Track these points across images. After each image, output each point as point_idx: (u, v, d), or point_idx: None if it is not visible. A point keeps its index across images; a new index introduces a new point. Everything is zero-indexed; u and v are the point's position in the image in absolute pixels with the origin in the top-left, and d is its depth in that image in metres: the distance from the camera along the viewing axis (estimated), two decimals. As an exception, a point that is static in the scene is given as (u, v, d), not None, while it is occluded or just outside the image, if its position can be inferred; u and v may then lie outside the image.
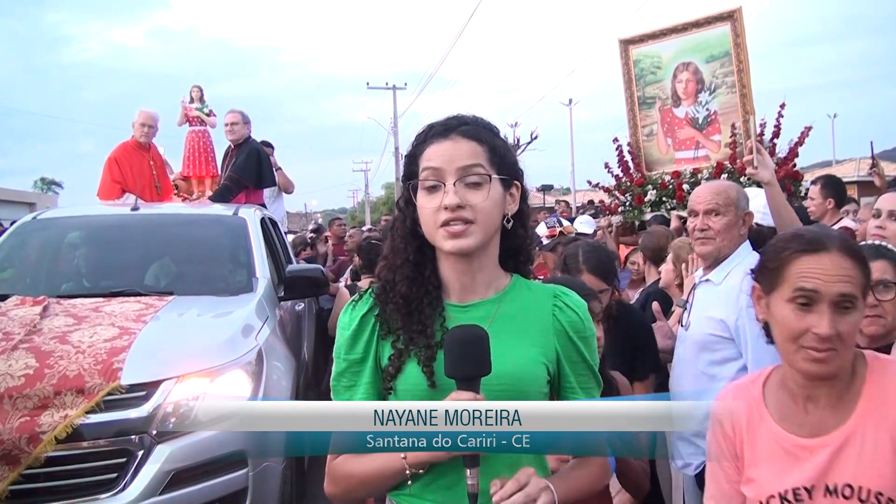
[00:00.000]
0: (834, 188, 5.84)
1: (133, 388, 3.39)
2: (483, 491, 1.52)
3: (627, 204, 8.38)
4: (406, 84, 44.93)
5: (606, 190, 8.88)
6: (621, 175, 8.58)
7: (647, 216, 7.84)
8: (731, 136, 7.47)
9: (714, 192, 3.19)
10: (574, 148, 45.74)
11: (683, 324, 3.29)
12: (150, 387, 3.42)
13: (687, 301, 3.57)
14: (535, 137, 35.72)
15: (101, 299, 4.35)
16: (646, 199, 8.06)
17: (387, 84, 43.77)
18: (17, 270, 5.31)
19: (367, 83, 43.74)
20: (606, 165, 8.84)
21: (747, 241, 3.18)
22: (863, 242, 2.82)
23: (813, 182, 6.15)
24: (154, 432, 3.36)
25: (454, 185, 1.62)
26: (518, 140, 37.23)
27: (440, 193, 1.64)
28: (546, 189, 33.34)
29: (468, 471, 1.50)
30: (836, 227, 5.64)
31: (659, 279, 4.66)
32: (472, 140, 1.68)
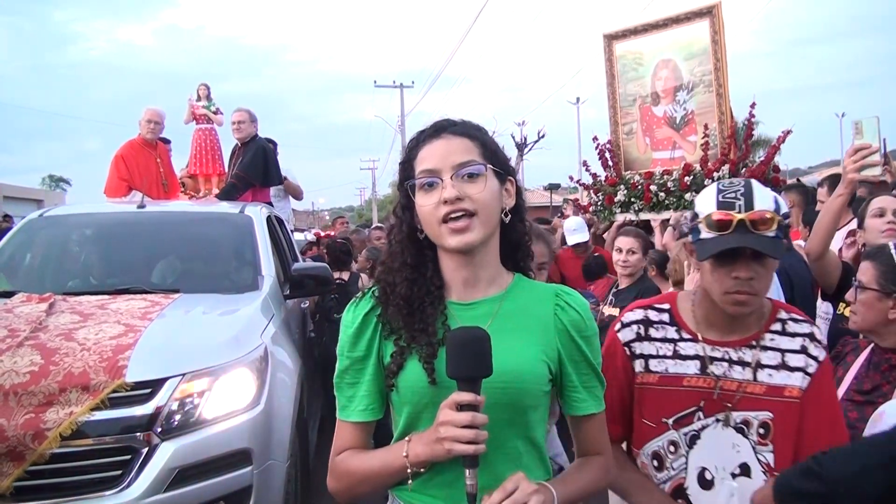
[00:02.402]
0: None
1: (138, 385, 3.39)
2: (481, 489, 1.53)
3: (598, 204, 8.28)
4: (413, 82, 44.93)
5: (586, 188, 8.81)
6: (598, 174, 8.50)
7: (618, 217, 7.71)
8: (703, 137, 7.33)
9: None
10: (581, 147, 45.68)
11: None
12: (156, 384, 3.42)
13: None
14: (543, 136, 35.69)
15: (106, 297, 4.36)
16: (615, 200, 7.96)
17: (394, 82, 43.83)
18: (23, 267, 5.32)
19: (375, 81, 43.92)
20: (585, 163, 8.77)
21: None
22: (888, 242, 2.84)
23: (819, 184, 6.08)
24: (159, 430, 3.36)
25: (451, 178, 1.64)
26: (525, 139, 37.27)
27: (438, 190, 1.65)
28: (553, 188, 33.33)
29: (467, 471, 1.51)
30: (844, 228, 5.60)
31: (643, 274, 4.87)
32: (463, 137, 1.70)
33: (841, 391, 2.57)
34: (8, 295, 4.41)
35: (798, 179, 9.71)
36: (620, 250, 5.24)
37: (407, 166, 1.74)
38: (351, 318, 1.76)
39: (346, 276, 6.82)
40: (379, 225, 12.94)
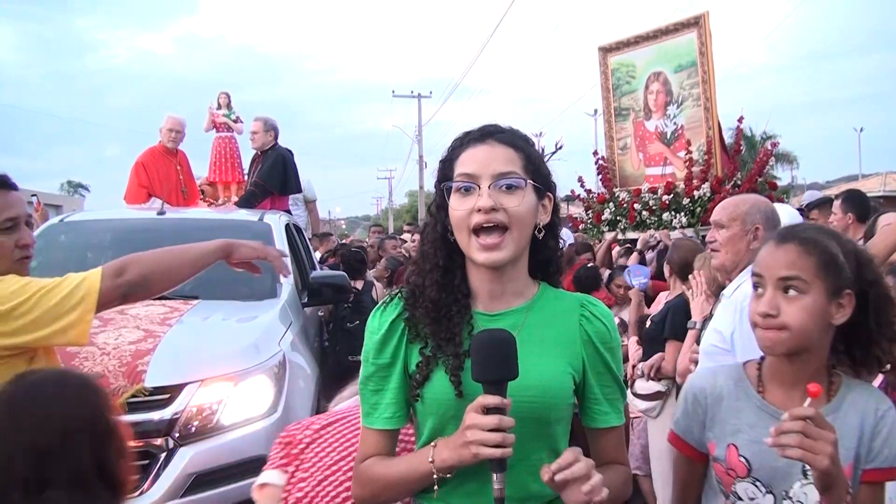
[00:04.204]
0: (853, 202, 5.74)
1: (157, 390, 3.41)
2: (509, 497, 1.51)
3: (588, 221, 8.16)
4: (431, 92, 44.83)
5: (582, 201, 8.71)
6: (592, 190, 8.37)
7: (606, 235, 7.54)
8: (686, 154, 7.17)
9: (723, 205, 3.17)
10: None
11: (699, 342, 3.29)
12: (174, 390, 3.44)
13: (696, 322, 3.58)
14: (560, 147, 35.62)
15: (126, 302, 4.37)
16: (603, 217, 7.82)
17: (412, 92, 43.80)
18: (43, 272, 5.34)
19: (393, 91, 43.83)
20: (580, 179, 8.64)
21: None
22: None
23: (836, 197, 6.06)
24: (177, 435, 3.37)
25: (489, 188, 1.61)
26: (542, 150, 37.28)
27: (474, 196, 1.62)
28: (570, 199, 33.27)
29: (495, 476, 1.49)
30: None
31: (681, 293, 4.58)
32: (508, 146, 1.66)
33: None
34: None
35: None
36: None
37: (447, 165, 1.71)
38: (377, 324, 1.73)
39: (359, 284, 6.81)
40: (393, 235, 12.98)
